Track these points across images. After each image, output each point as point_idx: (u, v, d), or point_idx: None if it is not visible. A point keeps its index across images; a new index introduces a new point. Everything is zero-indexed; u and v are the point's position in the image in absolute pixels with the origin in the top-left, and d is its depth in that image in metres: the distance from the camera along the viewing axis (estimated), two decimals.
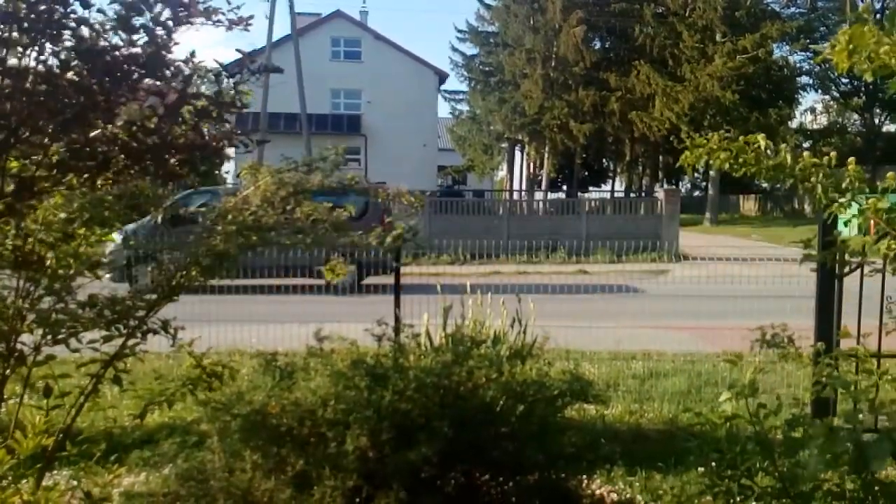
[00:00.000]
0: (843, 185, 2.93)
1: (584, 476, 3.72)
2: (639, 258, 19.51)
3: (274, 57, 30.76)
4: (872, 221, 2.88)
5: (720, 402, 2.83)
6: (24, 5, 2.55)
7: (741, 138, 3.06)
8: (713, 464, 2.93)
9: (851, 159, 3.01)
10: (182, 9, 2.74)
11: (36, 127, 2.74)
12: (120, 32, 2.70)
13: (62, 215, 3.17)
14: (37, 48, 2.66)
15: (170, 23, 2.76)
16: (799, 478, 2.64)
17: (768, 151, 3.03)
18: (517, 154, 49.39)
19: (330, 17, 42.58)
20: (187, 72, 2.84)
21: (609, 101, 39.02)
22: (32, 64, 2.69)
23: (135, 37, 2.72)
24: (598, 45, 43.90)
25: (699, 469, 3.24)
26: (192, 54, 2.89)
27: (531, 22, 41.25)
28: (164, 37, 2.75)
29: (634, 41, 40.05)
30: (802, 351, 3.17)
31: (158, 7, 2.71)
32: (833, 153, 3.04)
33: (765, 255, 13.73)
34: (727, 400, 2.78)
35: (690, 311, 10.23)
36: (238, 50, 2.99)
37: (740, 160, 3.04)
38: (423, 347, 4.58)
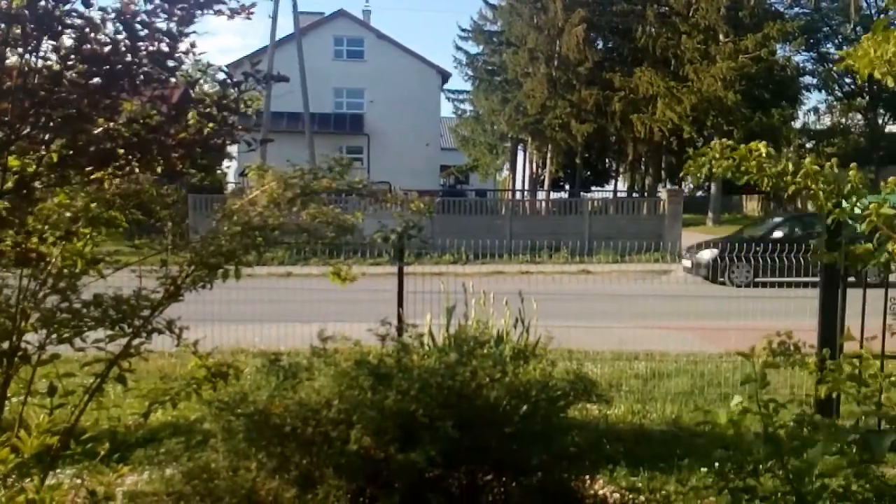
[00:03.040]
0: (846, 191, 2.93)
1: (587, 476, 3.72)
2: (641, 258, 19.53)
3: (277, 56, 30.74)
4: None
5: (732, 406, 2.83)
6: (23, 2, 2.54)
7: (742, 147, 3.06)
8: (716, 463, 2.93)
9: (853, 165, 3.01)
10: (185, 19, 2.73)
11: (37, 124, 2.73)
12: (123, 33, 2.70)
13: (67, 214, 3.16)
14: (37, 45, 2.65)
15: (174, 28, 2.76)
16: (806, 477, 2.63)
17: (770, 159, 3.03)
18: (520, 154, 49.33)
19: (333, 17, 42.51)
20: (188, 66, 2.83)
21: (612, 101, 38.92)
22: (33, 62, 2.69)
23: (140, 44, 2.71)
24: (600, 44, 43.75)
25: (702, 469, 3.23)
26: (193, 45, 2.86)
27: (534, 21, 41.14)
28: (170, 42, 2.75)
29: (637, 41, 39.96)
30: (808, 356, 3.16)
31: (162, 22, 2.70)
32: (834, 160, 3.04)
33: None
34: (739, 404, 2.78)
35: (693, 312, 10.21)
36: (244, 57, 2.98)
37: (742, 168, 3.04)
38: (426, 347, 4.58)
